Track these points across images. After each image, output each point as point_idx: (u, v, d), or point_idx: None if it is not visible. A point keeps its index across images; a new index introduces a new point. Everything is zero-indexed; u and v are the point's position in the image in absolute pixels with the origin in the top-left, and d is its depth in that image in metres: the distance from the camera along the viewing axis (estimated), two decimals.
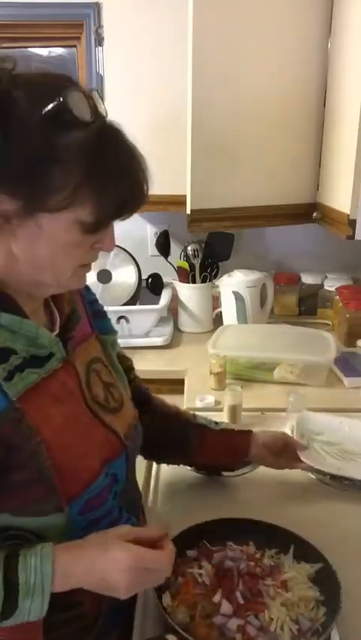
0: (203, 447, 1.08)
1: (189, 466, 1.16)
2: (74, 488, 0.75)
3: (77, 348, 0.84)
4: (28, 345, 0.74)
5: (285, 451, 1.12)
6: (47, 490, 0.73)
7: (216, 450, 1.09)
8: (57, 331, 0.82)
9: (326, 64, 1.72)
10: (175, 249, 2.09)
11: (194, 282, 2.04)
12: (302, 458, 1.12)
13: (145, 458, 1.12)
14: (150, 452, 1.08)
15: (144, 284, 2.03)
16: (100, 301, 0.99)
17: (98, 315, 0.96)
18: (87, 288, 0.96)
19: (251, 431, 1.12)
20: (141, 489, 1.03)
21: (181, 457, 1.13)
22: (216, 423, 1.12)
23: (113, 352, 0.96)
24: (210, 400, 1.49)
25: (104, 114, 0.71)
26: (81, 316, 0.88)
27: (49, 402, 0.76)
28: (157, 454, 1.12)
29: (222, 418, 1.38)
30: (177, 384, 1.68)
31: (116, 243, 2.18)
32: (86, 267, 0.78)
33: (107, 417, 0.83)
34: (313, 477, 1.16)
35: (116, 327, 0.96)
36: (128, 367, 1.05)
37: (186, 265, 2.04)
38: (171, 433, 1.08)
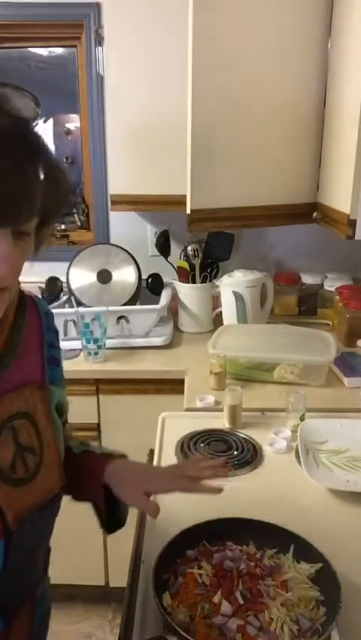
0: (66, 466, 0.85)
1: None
2: None
3: None
4: None
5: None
6: None
7: (76, 470, 0.89)
8: None
9: (326, 64, 1.72)
10: (175, 249, 2.09)
11: (194, 282, 2.04)
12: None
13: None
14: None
15: (144, 284, 2.03)
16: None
17: (52, 363, 0.82)
18: (52, 329, 0.84)
19: (112, 455, 0.92)
20: None
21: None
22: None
23: (53, 407, 0.81)
24: (210, 400, 1.49)
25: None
26: (10, 362, 0.74)
27: None
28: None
29: (223, 417, 1.39)
30: (177, 384, 1.68)
31: (116, 243, 2.17)
32: None
33: (0, 489, 0.71)
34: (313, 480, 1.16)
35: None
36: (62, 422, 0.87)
37: (186, 265, 2.04)
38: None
